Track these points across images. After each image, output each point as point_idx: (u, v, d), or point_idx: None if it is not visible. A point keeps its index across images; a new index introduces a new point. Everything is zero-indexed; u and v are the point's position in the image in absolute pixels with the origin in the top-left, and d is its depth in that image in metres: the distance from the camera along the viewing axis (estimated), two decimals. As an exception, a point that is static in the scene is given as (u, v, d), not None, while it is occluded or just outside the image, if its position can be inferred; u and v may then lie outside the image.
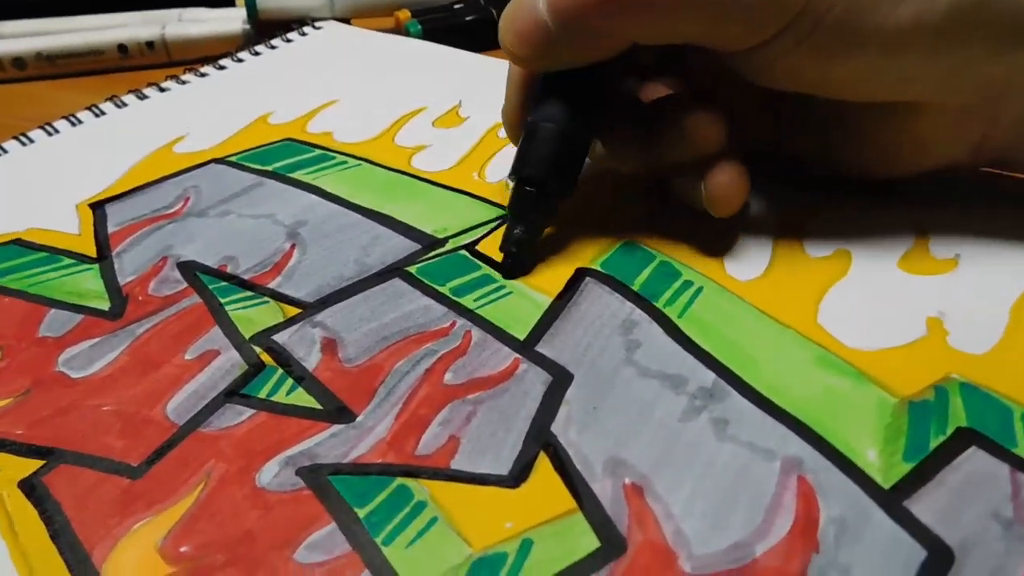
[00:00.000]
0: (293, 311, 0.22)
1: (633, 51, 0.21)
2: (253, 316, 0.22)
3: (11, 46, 0.38)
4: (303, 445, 0.18)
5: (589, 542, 0.16)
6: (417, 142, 0.29)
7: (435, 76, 0.34)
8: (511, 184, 0.23)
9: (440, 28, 0.39)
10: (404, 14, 0.40)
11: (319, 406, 0.19)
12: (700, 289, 0.22)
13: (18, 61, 0.38)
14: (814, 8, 0.19)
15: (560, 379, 0.19)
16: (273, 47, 0.37)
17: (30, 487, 0.17)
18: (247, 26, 0.39)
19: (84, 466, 0.18)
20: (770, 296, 0.22)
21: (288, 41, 0.38)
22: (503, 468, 0.17)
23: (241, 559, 0.16)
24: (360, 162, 0.28)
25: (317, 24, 0.39)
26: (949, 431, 0.18)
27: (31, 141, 0.30)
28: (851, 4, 0.19)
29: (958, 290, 0.21)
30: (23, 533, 0.17)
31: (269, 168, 0.28)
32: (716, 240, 0.24)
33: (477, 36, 0.39)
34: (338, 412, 0.19)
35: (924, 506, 0.16)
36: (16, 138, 0.30)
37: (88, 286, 0.23)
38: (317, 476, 0.17)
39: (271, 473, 0.18)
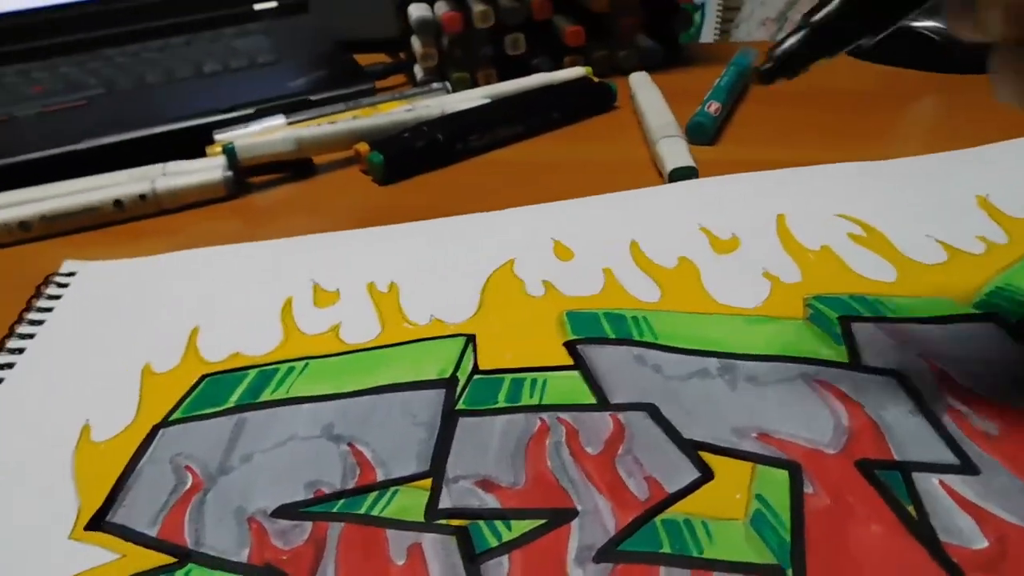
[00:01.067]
0: (423, 485, 0.24)
1: None
2: (402, 505, 0.24)
3: (18, 212, 0.42)
4: (573, 546, 0.22)
5: (774, 474, 0.24)
6: (320, 327, 0.32)
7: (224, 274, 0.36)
8: None
9: (398, 155, 0.45)
10: (363, 147, 0.46)
11: (543, 520, 0.23)
12: (645, 318, 0.31)
13: (24, 224, 0.42)
14: None
15: (649, 409, 0.27)
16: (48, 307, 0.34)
17: None
18: (229, 173, 0.44)
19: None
20: (681, 304, 0.31)
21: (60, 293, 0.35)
22: (696, 474, 0.24)
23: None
24: (306, 361, 0.30)
25: (70, 271, 0.37)
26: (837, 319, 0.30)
27: None
28: None
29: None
30: None
31: (226, 407, 0.28)
32: (615, 283, 0.32)
33: (431, 158, 0.46)
34: (561, 514, 0.23)
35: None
36: None
37: (216, 582, 0.22)
38: (613, 552, 0.22)
39: (580, 575, 0.21)
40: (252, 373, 0.30)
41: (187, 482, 0.25)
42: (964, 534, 0.22)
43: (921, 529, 0.22)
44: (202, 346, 0.31)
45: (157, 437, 0.27)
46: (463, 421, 0.27)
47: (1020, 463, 0.23)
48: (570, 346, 0.30)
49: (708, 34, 1.08)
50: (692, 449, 0.25)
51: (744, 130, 0.46)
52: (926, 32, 0.52)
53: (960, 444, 0.24)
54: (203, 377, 0.30)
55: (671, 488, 0.24)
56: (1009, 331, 0.28)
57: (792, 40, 0.21)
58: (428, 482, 0.25)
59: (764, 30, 0.96)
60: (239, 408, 0.28)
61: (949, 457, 0.24)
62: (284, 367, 0.30)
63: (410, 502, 0.24)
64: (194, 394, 0.29)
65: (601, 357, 0.29)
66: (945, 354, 0.27)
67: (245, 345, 0.31)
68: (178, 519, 0.24)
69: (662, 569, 0.21)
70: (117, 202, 0.42)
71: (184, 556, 0.23)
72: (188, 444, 0.27)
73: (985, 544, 0.21)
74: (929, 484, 0.23)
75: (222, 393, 0.29)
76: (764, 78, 0.21)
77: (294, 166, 0.46)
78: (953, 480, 0.23)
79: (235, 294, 0.35)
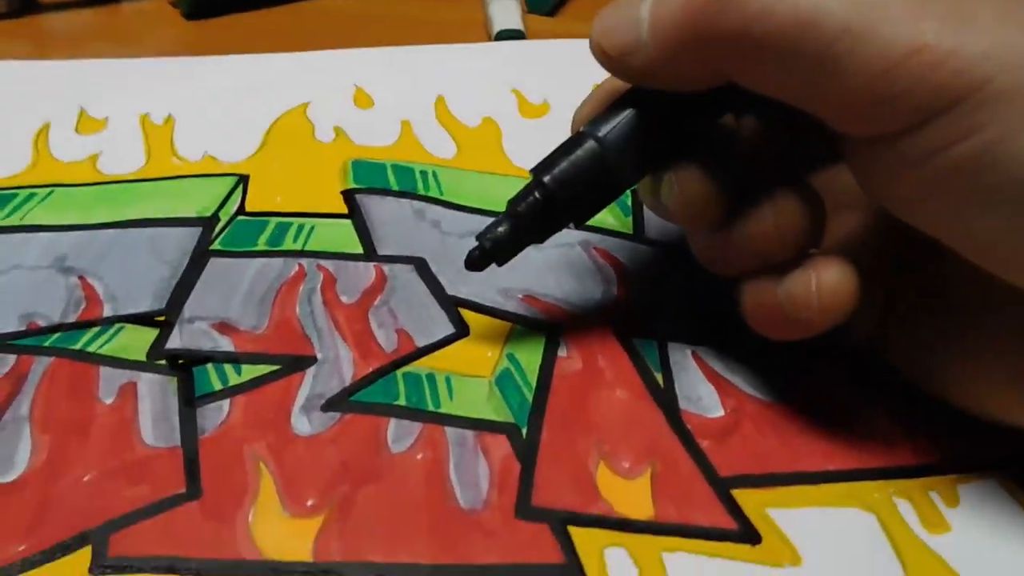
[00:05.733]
0: (151, 331, 0.22)
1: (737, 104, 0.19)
2: (124, 343, 0.22)
3: None
4: (303, 394, 0.21)
5: (531, 335, 0.23)
6: (77, 155, 0.28)
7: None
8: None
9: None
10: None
11: (278, 366, 0.21)
12: (435, 173, 0.29)
13: None
14: (976, 109, 0.14)
15: (417, 262, 0.25)
16: None
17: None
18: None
19: (141, 520, 0.18)
20: (476, 163, 0.30)
21: None
22: (450, 329, 0.23)
23: (351, 479, 0.19)
24: (51, 188, 0.27)
25: None
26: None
27: None
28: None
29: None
30: None
31: (-57, 229, 0.25)
32: (410, 136, 0.30)
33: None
34: (297, 362, 0.22)
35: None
36: None
37: None
38: (343, 402, 0.21)
39: (304, 423, 0.20)
40: (-17, 197, 0.26)
41: None
42: (703, 402, 0.21)
43: (664, 396, 0.22)
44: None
45: None
46: (214, 261, 0.25)
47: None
48: (348, 195, 0.27)
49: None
50: (452, 305, 0.24)
51: (590, 4, 0.44)
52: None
53: (724, 318, 0.24)
54: (-79, 195, 0.26)
55: (421, 342, 0.23)
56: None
57: (500, 229, 0.21)
58: (156, 324, 0.23)
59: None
60: (-44, 232, 0.25)
61: (709, 331, 0.23)
62: (24, 192, 0.26)
63: (134, 341, 0.22)
64: (-91, 214, 0.25)
65: (379, 208, 0.27)
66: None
67: (-13, 167, 0.28)
68: None
69: (392, 421, 0.20)
70: None
71: None
72: None
73: (721, 413, 0.21)
74: (682, 355, 0.23)
75: (-60, 216, 0.25)
76: (474, 266, 0.21)
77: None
78: (706, 352, 0.23)
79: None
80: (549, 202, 0.20)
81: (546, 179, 0.20)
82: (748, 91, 0.18)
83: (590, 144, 0.20)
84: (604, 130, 0.20)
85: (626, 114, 0.20)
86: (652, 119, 0.19)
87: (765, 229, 0.19)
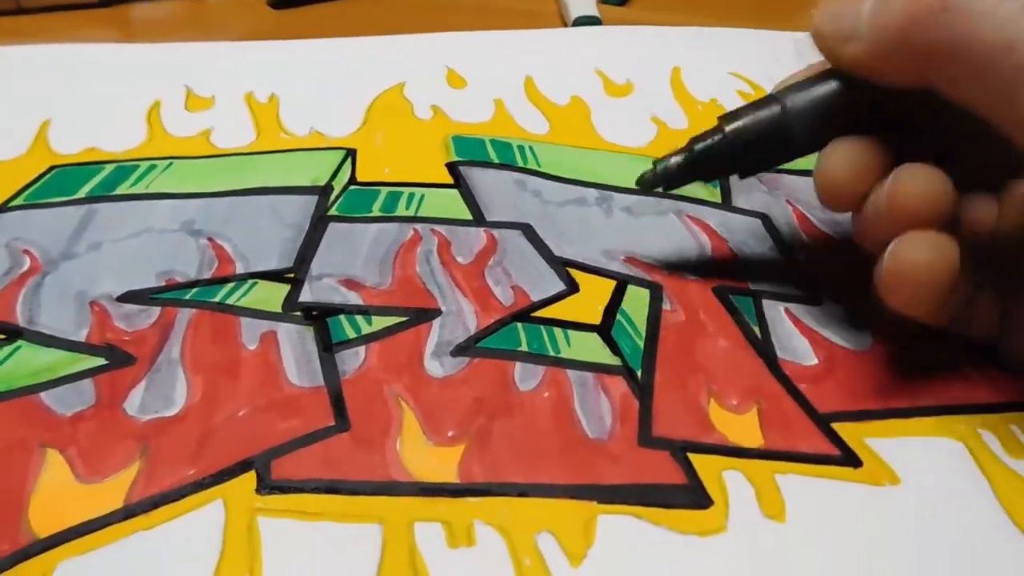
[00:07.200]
0: (283, 287, 0.24)
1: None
2: (260, 297, 0.23)
3: None
4: (432, 341, 0.22)
5: (636, 291, 0.24)
6: (190, 130, 0.30)
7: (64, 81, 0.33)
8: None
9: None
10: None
11: (405, 317, 0.23)
12: (531, 148, 0.30)
13: None
14: None
15: (523, 227, 0.26)
16: None
17: (273, 483, 0.18)
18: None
19: (297, 449, 0.19)
20: (569, 139, 0.31)
21: None
22: (561, 286, 0.24)
23: (486, 413, 0.20)
24: (170, 160, 0.28)
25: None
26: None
27: None
28: None
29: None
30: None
31: (75, 196, 0.26)
32: (504, 114, 0.32)
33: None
34: (424, 313, 0.23)
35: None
36: None
37: (44, 359, 0.21)
38: (472, 348, 0.22)
39: (437, 367, 0.21)
40: (109, 167, 0.28)
41: (24, 265, 0.24)
42: (799, 352, 0.23)
43: (762, 346, 0.23)
44: (53, 138, 0.29)
45: (-9, 223, 0.25)
46: (334, 226, 0.26)
47: (854, 297, 0.24)
48: (452, 167, 0.29)
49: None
50: (561, 265, 0.25)
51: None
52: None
53: (809, 279, 0.25)
54: (52, 168, 0.28)
55: (536, 297, 0.24)
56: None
57: (674, 160, 0.23)
58: (287, 281, 0.24)
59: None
60: (91, 199, 0.26)
61: (796, 290, 0.25)
62: (145, 164, 0.28)
63: (268, 295, 0.23)
64: (40, 183, 0.27)
65: (482, 179, 0.28)
66: (809, 202, 0.28)
67: (103, 141, 0.29)
68: (9, 299, 0.23)
69: (517, 364, 0.22)
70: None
71: (13, 333, 0.22)
72: (29, 230, 0.25)
73: (815, 362, 0.23)
74: (775, 311, 0.24)
75: (72, 184, 0.27)
76: (644, 187, 0.24)
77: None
78: (797, 308, 0.24)
79: (96, 91, 0.32)
80: (725, 148, 0.22)
81: (728, 127, 0.22)
82: (939, 100, 0.19)
83: (775, 107, 0.21)
84: (791, 98, 0.21)
85: (815, 88, 0.21)
86: (838, 100, 0.21)
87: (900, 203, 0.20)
